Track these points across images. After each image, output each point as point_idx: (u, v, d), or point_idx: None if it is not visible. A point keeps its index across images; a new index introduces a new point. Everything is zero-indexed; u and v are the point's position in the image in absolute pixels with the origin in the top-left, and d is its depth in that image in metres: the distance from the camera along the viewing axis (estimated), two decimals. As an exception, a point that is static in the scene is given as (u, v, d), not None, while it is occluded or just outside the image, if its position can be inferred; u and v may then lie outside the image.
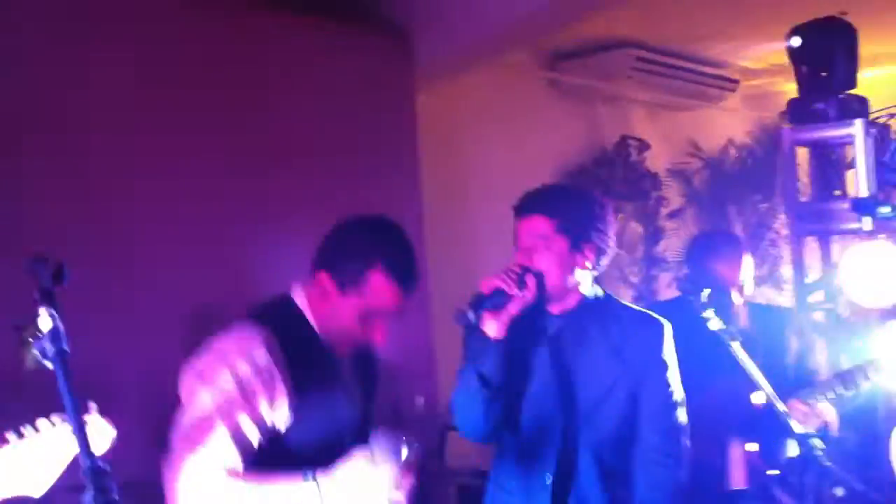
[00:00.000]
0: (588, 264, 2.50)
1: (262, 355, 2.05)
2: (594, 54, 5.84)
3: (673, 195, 6.68)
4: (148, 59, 3.57)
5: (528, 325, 2.49)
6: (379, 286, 2.10)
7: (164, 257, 3.51)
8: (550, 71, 6.01)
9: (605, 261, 2.55)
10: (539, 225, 2.47)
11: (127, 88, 3.50)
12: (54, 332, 1.36)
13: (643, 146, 6.44)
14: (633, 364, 2.52)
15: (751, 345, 2.89)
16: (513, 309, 2.40)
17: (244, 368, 2.03)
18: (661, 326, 2.58)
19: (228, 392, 2.02)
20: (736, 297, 3.39)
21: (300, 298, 2.20)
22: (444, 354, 2.83)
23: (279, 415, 2.08)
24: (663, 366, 2.56)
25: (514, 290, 2.38)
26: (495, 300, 2.39)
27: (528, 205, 2.50)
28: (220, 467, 1.99)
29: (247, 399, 2.02)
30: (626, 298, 6.38)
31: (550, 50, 5.88)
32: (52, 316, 1.37)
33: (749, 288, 3.34)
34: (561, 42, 5.64)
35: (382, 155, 4.39)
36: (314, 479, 1.99)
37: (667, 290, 6.40)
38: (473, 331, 2.48)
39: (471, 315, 2.34)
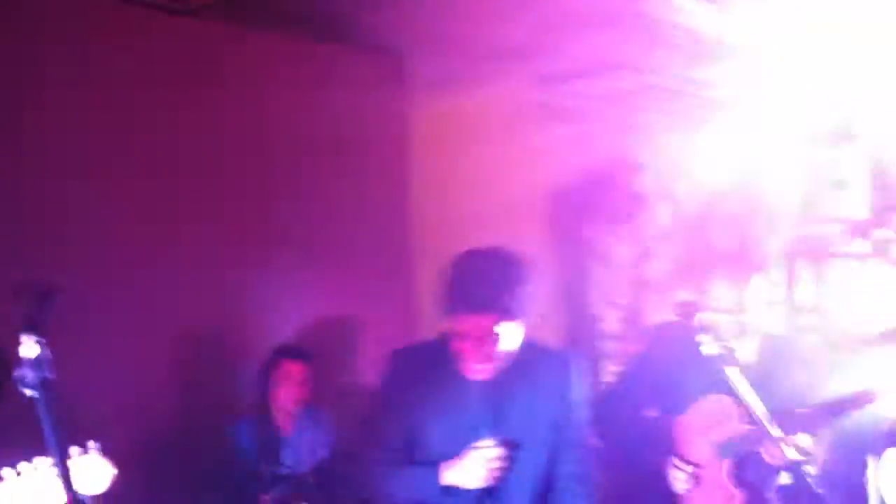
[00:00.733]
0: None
1: None
2: (588, 77, 5.84)
3: (662, 217, 6.68)
4: (140, 78, 3.55)
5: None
6: None
7: (154, 280, 3.47)
8: (543, 92, 6.00)
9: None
10: (492, 321, 2.51)
11: (128, 109, 3.50)
12: (38, 360, 1.31)
13: (635, 168, 6.45)
14: (549, 395, 2.70)
15: (755, 373, 2.88)
16: None
17: None
18: (566, 361, 2.76)
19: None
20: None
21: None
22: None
23: None
24: (572, 397, 2.74)
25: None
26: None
27: (482, 303, 2.51)
28: None
29: None
30: (613, 319, 6.39)
31: (543, 72, 5.87)
32: (38, 343, 1.32)
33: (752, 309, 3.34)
34: (553, 64, 5.63)
35: (374, 174, 4.38)
36: None
37: (652, 313, 6.39)
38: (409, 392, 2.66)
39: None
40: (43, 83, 3.24)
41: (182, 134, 3.66)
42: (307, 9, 4.34)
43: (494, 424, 2.65)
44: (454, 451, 2.61)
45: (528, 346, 2.71)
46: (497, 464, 2.58)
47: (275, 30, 4.17)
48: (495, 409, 2.66)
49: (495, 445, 2.58)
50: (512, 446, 2.63)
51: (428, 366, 2.62)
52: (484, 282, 2.52)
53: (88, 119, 3.37)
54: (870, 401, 3.01)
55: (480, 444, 2.59)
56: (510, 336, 2.56)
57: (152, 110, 3.56)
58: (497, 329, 2.51)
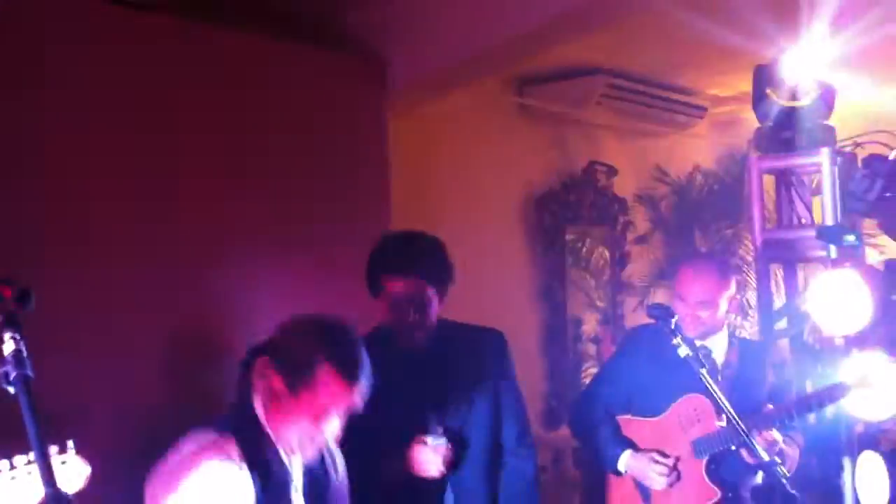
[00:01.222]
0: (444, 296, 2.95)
1: (227, 480, 2.12)
2: (564, 80, 5.88)
3: (640, 220, 6.73)
4: (123, 81, 3.53)
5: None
6: (329, 381, 2.18)
7: (140, 280, 3.46)
8: (521, 96, 6.04)
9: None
10: (418, 285, 2.86)
11: (108, 109, 3.46)
12: (17, 357, 1.33)
13: (611, 171, 6.49)
14: (487, 368, 2.97)
15: (727, 375, 2.94)
16: None
17: (211, 480, 2.10)
18: (500, 336, 3.06)
19: None
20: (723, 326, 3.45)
21: (259, 410, 2.27)
22: None
23: None
24: (509, 367, 3.04)
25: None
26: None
27: (404, 266, 2.87)
28: None
29: None
30: (592, 322, 6.44)
31: (521, 75, 5.91)
32: (14, 339, 1.34)
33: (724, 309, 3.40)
34: (531, 67, 5.67)
35: (354, 178, 4.38)
36: None
37: (632, 315, 6.44)
38: None
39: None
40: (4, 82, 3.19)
41: (158, 134, 3.63)
42: (285, 9, 4.36)
43: (436, 396, 2.84)
44: (395, 426, 2.71)
45: (459, 324, 3.02)
46: (447, 457, 2.72)
47: (251, 29, 4.17)
48: (435, 379, 2.87)
49: (441, 438, 2.73)
50: (459, 440, 2.81)
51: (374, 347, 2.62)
52: (400, 248, 2.93)
53: (61, 117, 3.32)
54: (841, 394, 3.07)
55: (429, 439, 2.71)
56: (431, 301, 2.85)
57: (126, 109, 3.52)
58: (418, 291, 2.81)
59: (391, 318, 2.86)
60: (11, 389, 1.33)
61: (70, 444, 1.61)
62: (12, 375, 1.32)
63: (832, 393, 3.09)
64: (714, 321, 3.31)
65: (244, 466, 2.14)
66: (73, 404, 2.96)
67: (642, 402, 3.45)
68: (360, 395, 2.23)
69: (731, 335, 3.50)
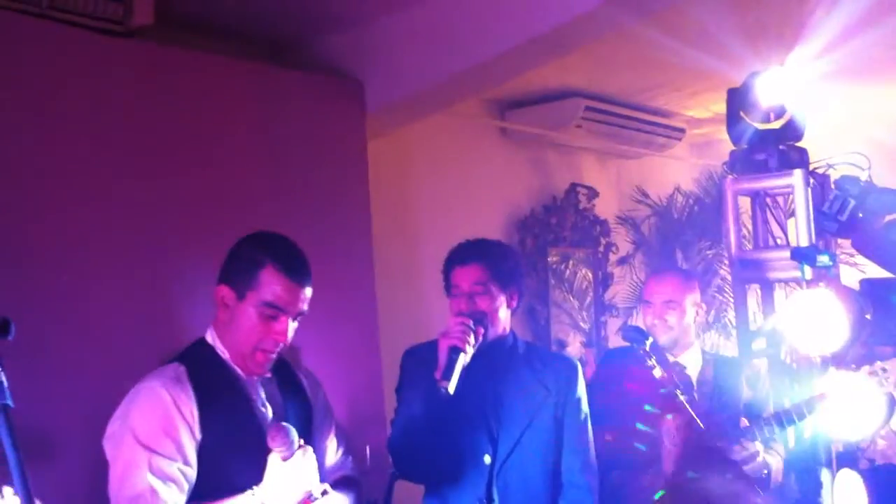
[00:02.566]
0: (514, 305, 2.90)
1: (173, 395, 2.23)
2: (544, 103, 5.95)
3: (622, 242, 6.78)
4: (97, 109, 3.55)
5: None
6: (271, 279, 2.30)
7: (111, 307, 3.46)
8: (501, 119, 6.10)
9: (521, 303, 2.97)
10: (479, 272, 2.81)
11: (74, 135, 3.47)
12: (-2, 387, 1.34)
13: (592, 193, 6.54)
14: (556, 392, 2.86)
15: (703, 392, 2.97)
16: (467, 359, 2.66)
17: (158, 412, 2.21)
18: (576, 365, 2.97)
19: (147, 441, 2.18)
20: (694, 343, 3.52)
21: (209, 334, 2.41)
22: (392, 401, 2.85)
23: (192, 446, 2.24)
24: (581, 395, 2.92)
25: (468, 346, 2.64)
26: (454, 359, 2.60)
27: (466, 254, 2.86)
28: None
29: (163, 444, 2.18)
30: (576, 344, 6.46)
31: (501, 98, 5.97)
32: (-5, 370, 1.35)
33: (689, 317, 3.51)
34: (511, 91, 5.73)
35: (334, 200, 4.40)
36: (253, 493, 2.18)
37: (616, 336, 6.47)
38: (419, 382, 2.66)
39: (450, 388, 2.56)
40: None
41: (131, 161, 3.64)
42: (263, 32, 4.40)
43: (494, 409, 2.80)
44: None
45: (535, 346, 3.07)
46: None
47: (230, 52, 4.20)
48: (496, 394, 2.82)
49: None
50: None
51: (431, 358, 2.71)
52: (465, 244, 2.92)
53: (33, 141, 3.34)
54: (813, 409, 3.11)
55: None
56: (496, 297, 2.79)
57: (96, 134, 3.54)
58: (487, 280, 2.78)
59: (452, 309, 2.83)
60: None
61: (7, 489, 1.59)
62: (-8, 406, 1.33)
63: (809, 404, 3.13)
64: (681, 326, 3.50)
65: (188, 386, 2.25)
66: (49, 430, 2.97)
67: (624, 423, 3.48)
68: (304, 298, 2.34)
69: (705, 351, 3.62)
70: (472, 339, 2.65)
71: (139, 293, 3.57)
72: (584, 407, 2.95)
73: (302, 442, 2.24)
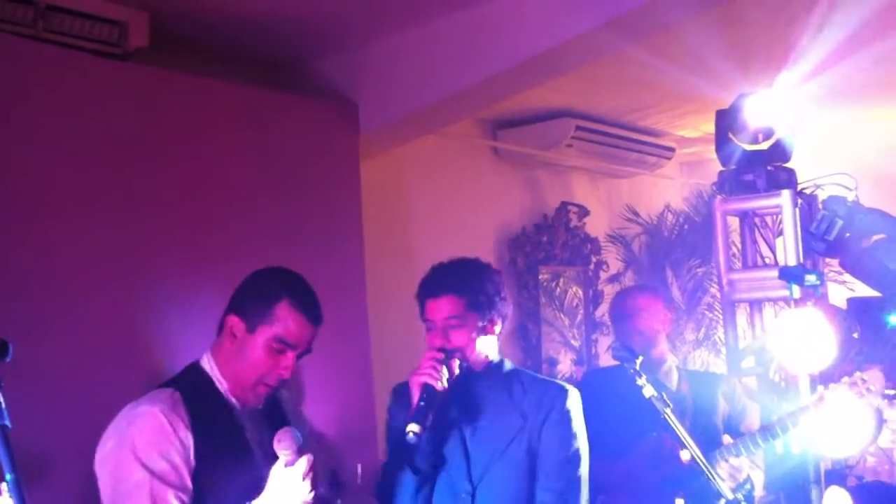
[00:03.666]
0: (496, 330, 2.70)
1: (168, 418, 2.22)
2: (535, 123, 6.00)
3: (612, 260, 6.81)
4: (88, 124, 3.56)
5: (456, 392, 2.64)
6: (286, 315, 2.31)
7: (109, 325, 3.47)
8: (492, 139, 6.14)
9: (505, 325, 2.75)
10: (451, 305, 2.62)
11: (67, 157, 3.49)
12: (-4, 408, 1.36)
13: (583, 212, 6.58)
14: (531, 419, 2.63)
15: (681, 408, 3.00)
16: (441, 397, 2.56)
17: (158, 436, 2.20)
18: (562, 390, 2.70)
19: (149, 463, 2.17)
20: (669, 359, 3.56)
21: (206, 361, 2.39)
22: (384, 421, 2.86)
23: (186, 470, 2.22)
24: (561, 423, 2.64)
25: (441, 384, 2.54)
26: (429, 401, 2.52)
27: (437, 286, 2.66)
28: None
29: (162, 466, 2.18)
30: (567, 362, 6.48)
31: (492, 118, 6.01)
32: (-6, 391, 1.37)
33: (658, 332, 3.58)
34: (503, 111, 5.77)
35: (327, 220, 4.43)
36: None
37: (606, 354, 6.49)
38: (399, 422, 2.60)
39: (418, 434, 2.46)
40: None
41: (125, 183, 3.65)
42: (258, 55, 4.44)
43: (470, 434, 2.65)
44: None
45: (523, 372, 2.77)
46: None
47: (225, 75, 4.24)
48: (472, 420, 2.66)
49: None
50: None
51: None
52: (438, 271, 2.70)
53: (26, 163, 3.36)
54: (786, 429, 3.15)
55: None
56: (467, 324, 2.61)
57: (90, 156, 3.56)
58: (461, 311, 2.60)
59: (428, 343, 2.66)
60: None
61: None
62: (-9, 427, 1.36)
63: (783, 422, 3.17)
64: (651, 333, 3.54)
65: (184, 413, 2.24)
66: (46, 449, 2.98)
67: (605, 444, 3.49)
68: (313, 336, 2.36)
69: (680, 368, 3.65)
70: (444, 375, 2.54)
71: (132, 316, 3.58)
72: (571, 439, 2.65)
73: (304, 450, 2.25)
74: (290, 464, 2.16)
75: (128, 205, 3.65)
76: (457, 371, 2.59)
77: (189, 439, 2.22)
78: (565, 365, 6.49)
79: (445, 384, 2.55)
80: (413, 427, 2.45)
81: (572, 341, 6.57)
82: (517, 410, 2.64)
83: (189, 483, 2.21)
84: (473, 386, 2.67)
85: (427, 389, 2.52)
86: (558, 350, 6.48)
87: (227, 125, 4.13)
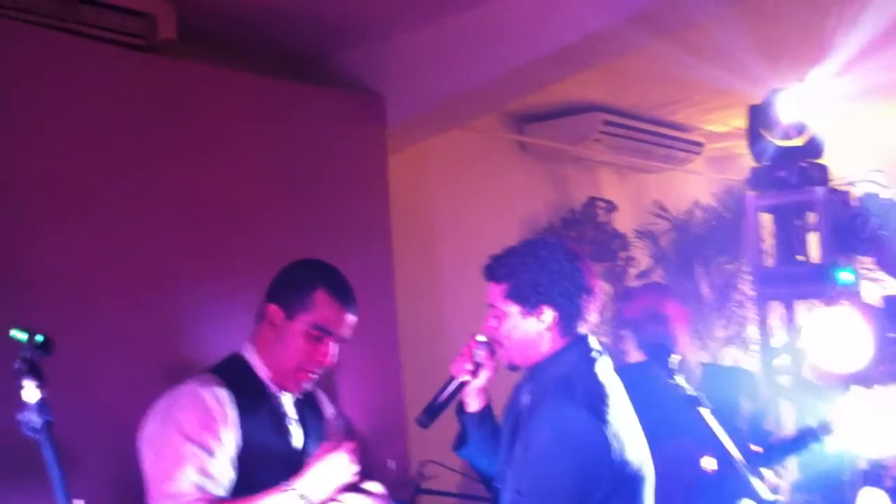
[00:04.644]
0: (543, 323, 2.37)
1: (214, 396, 2.28)
2: (562, 117, 5.96)
3: (640, 256, 6.75)
4: (115, 116, 3.57)
5: (520, 385, 2.47)
6: (324, 303, 2.39)
7: (130, 319, 3.48)
8: (520, 133, 6.11)
9: (575, 312, 2.39)
10: (492, 293, 2.43)
11: (95, 149, 3.50)
12: (41, 404, 1.37)
13: (611, 207, 6.53)
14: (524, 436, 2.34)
15: (728, 413, 2.96)
16: (482, 383, 2.50)
17: (203, 414, 2.25)
18: (568, 401, 2.29)
19: (188, 439, 2.21)
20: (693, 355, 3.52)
21: (247, 351, 2.45)
22: (414, 416, 2.81)
23: (233, 447, 2.27)
24: (536, 426, 2.29)
25: (466, 376, 2.47)
26: (451, 393, 2.48)
27: (485, 271, 2.46)
28: None
29: (207, 442, 2.22)
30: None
31: (520, 113, 5.99)
32: (38, 387, 1.38)
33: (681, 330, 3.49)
34: (529, 105, 5.74)
35: (355, 214, 4.42)
36: (292, 487, 2.19)
37: (635, 351, 6.44)
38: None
39: (426, 420, 2.43)
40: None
41: (151, 175, 3.65)
42: (284, 47, 4.44)
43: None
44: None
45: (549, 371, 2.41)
46: None
47: (251, 67, 4.24)
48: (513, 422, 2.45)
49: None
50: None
51: None
52: (495, 255, 2.45)
53: (48, 157, 3.36)
54: (827, 433, 3.10)
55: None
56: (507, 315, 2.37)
57: (117, 148, 3.57)
58: (500, 300, 2.37)
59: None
60: (35, 436, 1.37)
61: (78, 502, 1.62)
62: (36, 423, 1.36)
63: (814, 432, 3.12)
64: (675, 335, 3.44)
65: (224, 393, 2.30)
66: (76, 444, 2.99)
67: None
68: (350, 324, 2.42)
69: (704, 364, 3.58)
70: (471, 366, 2.44)
71: (159, 309, 3.59)
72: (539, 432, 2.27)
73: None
74: (337, 447, 2.23)
75: (155, 197, 3.66)
76: (505, 362, 2.43)
77: (234, 417, 2.28)
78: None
79: (470, 378, 2.47)
80: (421, 418, 2.43)
81: (600, 338, 6.52)
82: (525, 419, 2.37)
83: (234, 459, 2.26)
84: (522, 385, 2.47)
85: (451, 381, 2.47)
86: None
87: (254, 118, 4.13)
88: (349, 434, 2.50)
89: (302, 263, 2.53)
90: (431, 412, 2.44)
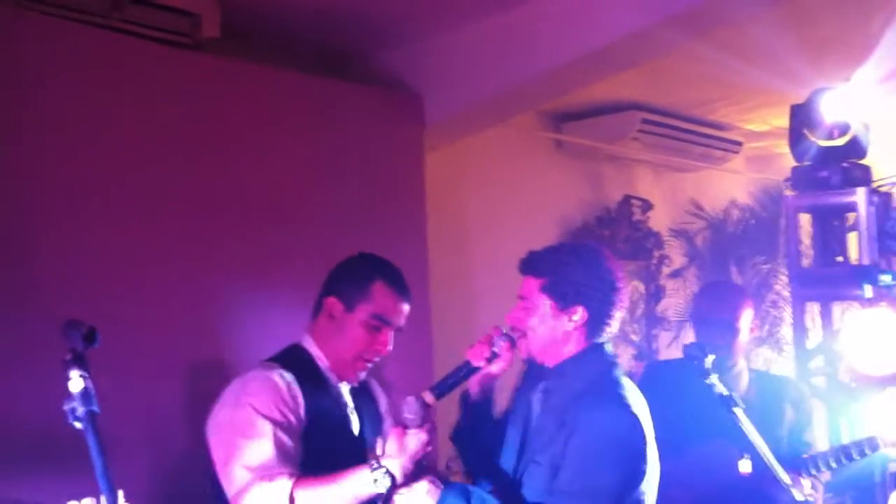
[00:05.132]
0: (572, 322, 2.42)
1: (282, 379, 2.40)
2: (599, 116, 5.94)
3: (675, 255, 6.73)
4: (160, 114, 3.61)
5: (527, 383, 2.53)
6: (382, 293, 2.52)
7: (163, 313, 3.50)
8: (557, 132, 6.10)
9: (604, 318, 2.45)
10: (527, 285, 2.48)
11: (140, 145, 3.54)
12: (85, 394, 1.39)
13: (646, 206, 6.51)
14: (563, 430, 2.34)
15: (748, 411, 2.94)
16: (494, 372, 2.54)
17: (273, 394, 2.36)
18: (617, 410, 2.35)
19: (263, 416, 2.32)
20: (740, 361, 3.46)
21: (307, 342, 2.58)
22: (444, 406, 2.79)
23: (300, 427, 2.39)
24: (584, 437, 2.31)
25: (481, 362, 2.50)
26: (458, 375, 2.50)
27: (522, 265, 2.52)
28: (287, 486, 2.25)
29: (281, 418, 2.34)
30: (626, 356, 6.43)
31: (557, 111, 5.97)
32: (83, 377, 1.41)
33: (745, 336, 3.41)
34: (566, 103, 5.73)
35: (391, 212, 4.44)
36: (378, 464, 2.26)
37: (666, 350, 6.43)
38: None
39: (425, 401, 2.40)
40: (44, 119, 3.25)
41: (195, 172, 3.69)
42: (325, 45, 4.46)
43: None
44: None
45: (599, 368, 2.45)
46: None
47: (292, 65, 4.27)
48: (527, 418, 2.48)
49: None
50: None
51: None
52: (535, 250, 2.53)
53: (96, 154, 3.41)
54: (874, 449, 3.06)
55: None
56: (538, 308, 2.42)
57: (162, 145, 3.60)
58: (535, 293, 2.42)
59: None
60: (79, 425, 1.39)
61: (119, 493, 1.64)
62: (80, 412, 1.39)
63: (861, 447, 3.09)
64: (736, 343, 3.36)
65: (289, 378, 2.41)
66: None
67: (660, 441, 3.44)
68: (405, 313, 2.56)
69: (751, 369, 3.54)
70: (488, 354, 2.47)
71: (202, 304, 3.62)
72: (591, 451, 2.30)
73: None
74: (412, 424, 2.32)
75: (198, 194, 3.70)
76: (523, 355, 2.47)
77: (300, 398, 2.40)
78: (624, 360, 6.44)
79: (486, 364, 2.49)
80: (426, 395, 2.40)
81: (632, 336, 6.51)
82: (558, 418, 2.37)
83: (299, 436, 2.36)
84: (537, 383, 2.48)
85: (466, 365, 2.50)
86: (618, 345, 6.38)
87: (295, 115, 4.16)
88: (427, 416, 2.44)
89: (359, 257, 2.65)
90: (438, 390, 2.45)
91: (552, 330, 2.43)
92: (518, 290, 2.53)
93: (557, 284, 2.42)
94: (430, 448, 2.34)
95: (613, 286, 2.45)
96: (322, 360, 2.53)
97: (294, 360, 2.51)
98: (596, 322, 2.44)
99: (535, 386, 2.49)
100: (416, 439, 2.31)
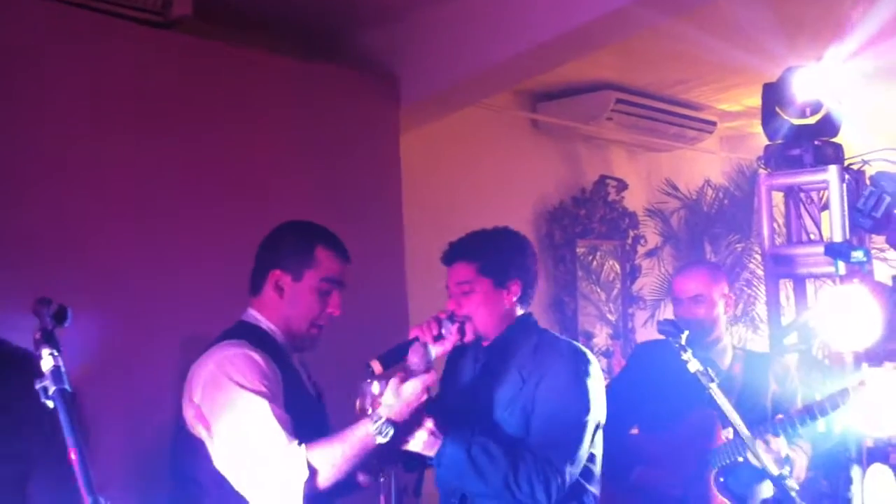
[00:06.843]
0: (514, 298, 2.74)
1: (260, 356, 2.39)
2: (575, 96, 5.95)
3: (650, 234, 6.77)
4: (130, 92, 3.59)
5: (466, 362, 2.82)
6: (326, 256, 2.55)
7: (152, 292, 3.50)
8: (531, 111, 6.11)
9: (532, 292, 2.80)
10: (463, 271, 2.71)
11: (110, 125, 3.52)
12: (55, 372, 1.39)
13: (621, 186, 6.55)
14: (529, 380, 2.63)
15: (729, 386, 2.98)
16: (439, 351, 2.66)
17: (256, 368, 2.36)
18: (576, 354, 2.68)
19: (259, 389, 2.33)
20: (725, 338, 3.50)
21: (253, 318, 2.56)
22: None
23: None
24: (562, 388, 2.60)
25: (428, 340, 2.63)
26: (402, 344, 2.62)
27: (452, 254, 2.76)
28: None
29: (270, 391, 2.34)
30: (603, 335, 6.47)
31: (532, 91, 5.98)
32: (52, 356, 1.40)
33: (721, 309, 3.48)
34: (542, 83, 5.74)
35: (367, 193, 4.44)
36: (378, 414, 2.33)
37: (643, 329, 6.47)
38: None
39: (375, 366, 2.52)
40: (15, 96, 3.24)
41: (164, 150, 3.67)
42: (299, 26, 4.43)
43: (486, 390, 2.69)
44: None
45: (543, 331, 2.80)
46: None
47: (266, 45, 4.24)
48: (489, 376, 2.72)
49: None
50: None
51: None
52: (456, 241, 2.79)
53: (67, 131, 3.39)
54: (846, 399, 3.10)
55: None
56: (486, 294, 2.69)
57: (132, 122, 3.59)
58: (472, 276, 2.68)
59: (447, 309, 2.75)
60: (51, 404, 1.39)
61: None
62: (51, 390, 1.38)
63: (833, 400, 3.13)
64: (711, 319, 3.44)
65: (260, 350, 2.42)
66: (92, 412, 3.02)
67: (651, 416, 3.49)
68: (348, 272, 2.60)
69: (735, 346, 3.59)
70: (436, 333, 2.64)
71: (171, 284, 3.61)
72: (573, 400, 2.59)
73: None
74: (417, 368, 2.45)
75: (170, 172, 3.68)
76: (455, 337, 2.67)
77: (277, 371, 2.41)
78: (601, 339, 6.49)
79: (439, 342, 2.63)
80: (374, 363, 2.51)
81: (608, 315, 6.56)
82: (519, 374, 2.66)
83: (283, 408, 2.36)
84: (490, 355, 2.75)
85: (414, 340, 2.62)
86: (594, 324, 6.47)
87: (269, 95, 4.14)
88: (430, 363, 2.62)
89: (289, 227, 2.64)
90: (385, 360, 2.55)
91: (495, 306, 2.72)
92: (447, 281, 2.76)
93: (492, 264, 2.71)
94: (425, 397, 2.39)
95: (534, 258, 2.83)
96: (276, 332, 2.54)
97: (251, 335, 2.49)
98: (526, 293, 2.78)
99: (475, 356, 2.79)
100: (411, 387, 2.37)
